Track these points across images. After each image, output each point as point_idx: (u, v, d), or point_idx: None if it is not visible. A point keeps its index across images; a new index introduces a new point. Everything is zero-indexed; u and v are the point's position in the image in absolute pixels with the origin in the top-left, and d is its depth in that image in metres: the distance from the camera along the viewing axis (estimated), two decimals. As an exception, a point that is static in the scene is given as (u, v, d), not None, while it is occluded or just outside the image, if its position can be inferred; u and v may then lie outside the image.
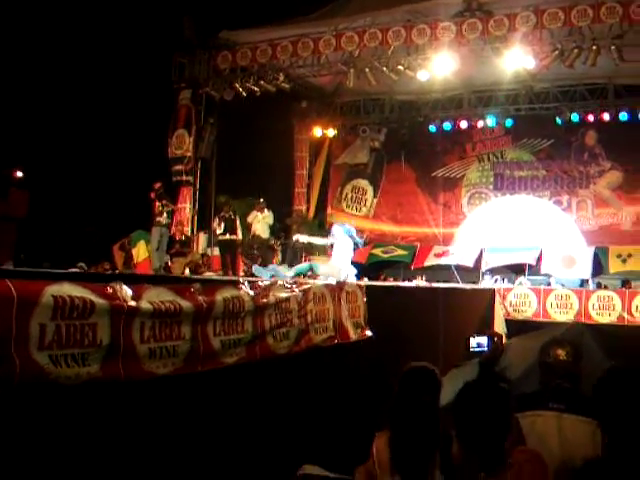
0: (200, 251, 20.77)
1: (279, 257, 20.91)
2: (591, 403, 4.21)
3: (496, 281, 20.00)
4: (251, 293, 5.67)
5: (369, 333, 7.80)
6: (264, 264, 19.11)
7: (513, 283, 19.22)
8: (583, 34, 17.03)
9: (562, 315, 15.52)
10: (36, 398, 3.93)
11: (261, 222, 19.13)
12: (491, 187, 24.20)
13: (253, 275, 17.52)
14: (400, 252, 23.60)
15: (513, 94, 22.51)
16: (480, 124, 23.39)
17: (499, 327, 14.57)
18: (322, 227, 23.60)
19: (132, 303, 4.48)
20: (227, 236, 18.40)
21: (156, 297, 4.72)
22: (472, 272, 21.38)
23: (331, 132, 25.28)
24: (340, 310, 7.32)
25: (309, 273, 10.86)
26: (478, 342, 7.74)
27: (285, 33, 19.80)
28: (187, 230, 20.52)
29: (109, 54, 24.76)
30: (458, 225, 24.35)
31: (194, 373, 5.00)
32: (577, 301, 15.54)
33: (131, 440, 4.61)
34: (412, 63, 18.73)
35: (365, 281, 17.74)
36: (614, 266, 19.93)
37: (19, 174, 26.84)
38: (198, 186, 21.78)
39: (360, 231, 24.51)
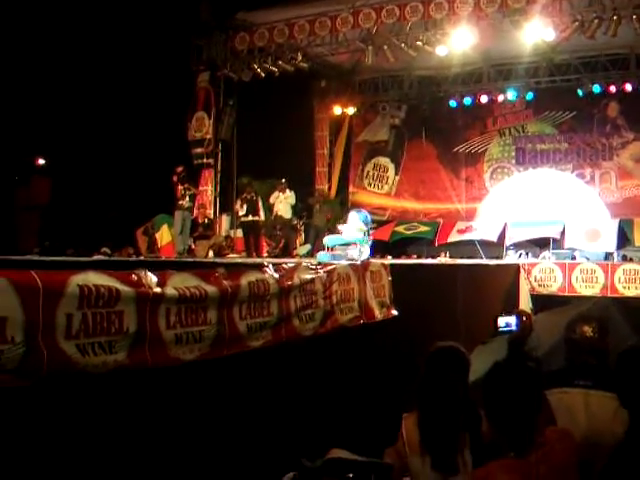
0: (223, 233, 20.84)
1: (302, 237, 20.92)
2: (614, 378, 4.20)
3: (520, 256, 19.88)
4: (276, 276, 5.67)
5: (394, 312, 7.78)
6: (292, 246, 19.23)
7: (537, 257, 19.12)
8: (603, 4, 16.81)
9: (588, 289, 15.41)
10: (65, 387, 3.95)
11: (283, 202, 19.10)
12: (513, 161, 24.01)
13: (281, 256, 17.63)
14: (423, 228, 23.56)
15: (533, 67, 22.25)
16: (500, 98, 23.19)
17: (525, 302, 14.52)
18: (344, 206, 23.57)
19: (157, 290, 4.49)
20: (249, 217, 18.44)
21: (181, 283, 4.72)
22: (496, 247, 21.30)
23: (351, 110, 25.18)
24: (365, 290, 7.31)
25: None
26: (506, 321, 7.72)
27: (302, 12, 19.71)
28: (210, 213, 20.55)
29: (127, 39, 24.74)
30: (481, 200, 24.23)
31: (221, 357, 5.01)
32: (603, 275, 15.41)
33: (156, 425, 4.64)
34: (430, 38, 18.59)
35: (389, 259, 17.79)
36: (640, 238, 19.81)
37: (41, 161, 26.97)
38: (219, 168, 21.82)
39: (383, 209, 24.64)
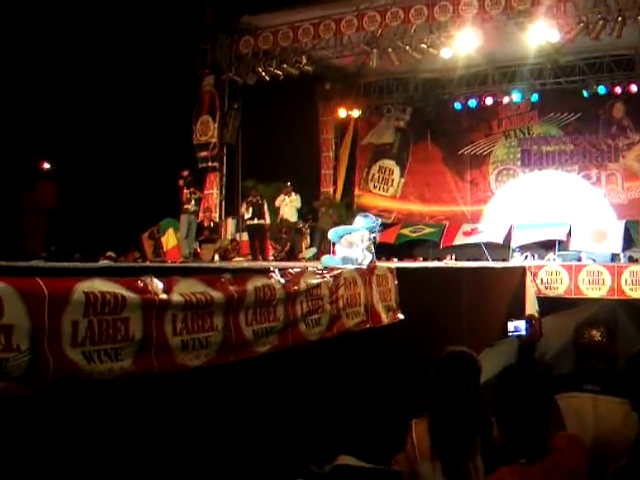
0: (229, 237, 20.87)
1: (307, 240, 20.93)
2: (624, 382, 4.18)
3: (526, 258, 19.85)
4: (282, 281, 5.64)
5: (401, 316, 7.76)
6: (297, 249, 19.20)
7: (543, 259, 19.09)
8: (608, 5, 16.80)
9: (594, 291, 15.36)
10: (70, 393, 3.95)
11: (289, 206, 19.13)
12: (518, 163, 24.00)
13: (286, 259, 17.63)
14: (429, 231, 23.55)
15: (538, 68, 22.25)
16: (505, 100, 23.20)
17: (531, 305, 14.49)
18: (349, 208, 23.58)
19: (163, 296, 4.47)
20: (255, 221, 18.48)
21: (187, 289, 4.70)
22: (502, 249, 21.28)
23: (356, 113, 25.20)
24: (371, 294, 7.28)
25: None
26: (515, 326, 7.70)
27: (306, 15, 19.74)
28: (215, 216, 20.59)
29: (132, 43, 24.77)
30: (486, 202, 24.22)
31: (227, 363, 5.00)
32: (609, 277, 15.35)
33: (163, 431, 4.63)
34: (435, 41, 18.60)
35: (394, 261, 17.78)
36: (646, 239, 19.79)
37: (46, 166, 27.00)
38: (225, 172, 21.85)
39: (388, 211, 24.62)
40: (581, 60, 21.57)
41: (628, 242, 20.00)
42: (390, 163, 25.65)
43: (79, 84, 24.42)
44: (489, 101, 23.25)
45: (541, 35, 17.74)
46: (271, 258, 18.72)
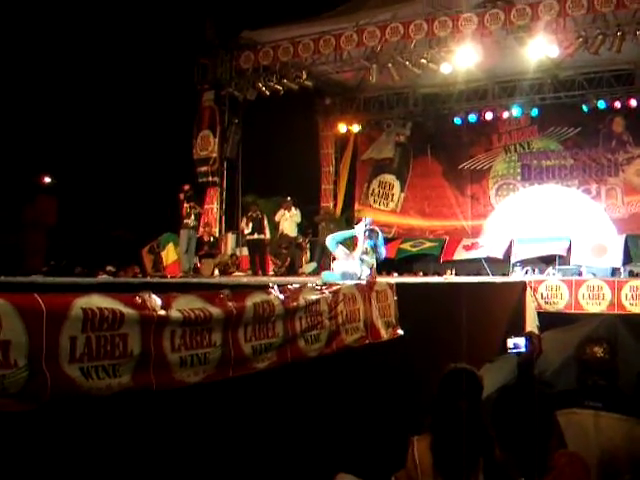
0: (229, 251, 20.86)
1: (308, 255, 20.92)
2: (629, 399, 4.16)
3: (527, 272, 19.84)
4: (281, 297, 5.63)
5: (400, 332, 7.73)
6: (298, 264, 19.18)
7: (544, 274, 19.07)
8: (607, 20, 16.89)
9: (594, 306, 15.30)
10: (68, 410, 3.93)
11: (289, 220, 19.11)
12: (519, 178, 24.01)
13: (287, 274, 17.61)
14: (429, 245, 23.58)
15: (538, 83, 22.31)
16: (505, 115, 23.25)
17: (531, 320, 14.45)
18: (350, 223, 23.57)
19: (162, 312, 4.46)
20: (255, 236, 18.48)
21: (185, 305, 4.69)
22: (502, 263, 21.28)
23: (356, 128, 25.23)
24: (371, 310, 7.27)
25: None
26: (515, 342, 7.65)
27: (306, 31, 19.81)
28: (215, 231, 20.58)
29: (132, 58, 24.86)
30: (486, 217, 24.23)
31: (226, 379, 4.98)
32: (609, 292, 15.30)
33: (161, 448, 4.61)
34: (435, 56, 18.67)
35: (394, 276, 17.76)
36: (646, 254, 19.76)
37: (47, 180, 27.02)
38: (225, 186, 21.86)
39: (388, 226, 24.61)
40: (581, 75, 21.62)
41: (628, 256, 19.98)
42: (390, 178, 25.67)
43: (81, 99, 24.50)
44: (489, 116, 23.29)
45: (541, 50, 17.80)
46: (271, 273, 18.70)
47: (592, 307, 15.31)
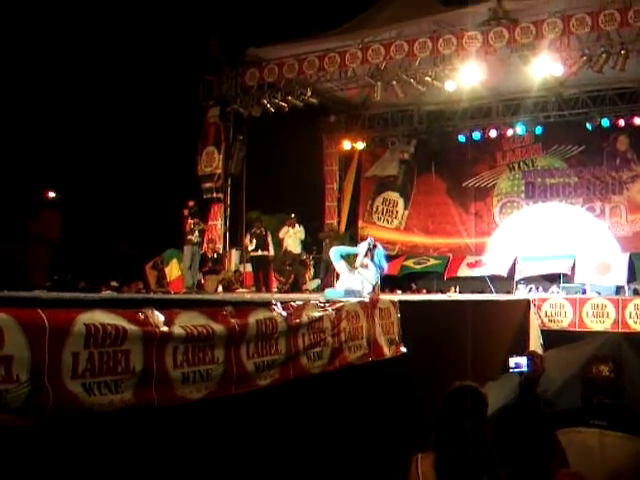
0: (232, 268, 20.83)
1: (311, 272, 20.90)
2: (635, 419, 4.14)
3: (530, 290, 19.82)
4: (284, 314, 5.63)
5: (403, 349, 7.73)
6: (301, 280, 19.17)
7: (548, 292, 19.05)
8: (611, 39, 16.89)
9: (598, 324, 15.27)
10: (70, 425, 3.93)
11: (292, 237, 19.11)
12: (523, 196, 24.01)
13: (290, 291, 17.60)
14: (433, 262, 23.57)
15: (542, 101, 22.35)
16: (509, 132, 23.26)
17: (535, 338, 14.44)
18: (353, 240, 23.55)
19: (164, 329, 4.46)
20: (259, 252, 18.48)
21: (188, 321, 4.69)
22: (506, 281, 21.26)
23: (360, 145, 25.24)
24: (374, 327, 7.26)
25: None
26: (517, 362, 7.64)
27: (311, 48, 19.84)
28: (219, 247, 20.55)
29: (138, 74, 24.97)
30: (490, 235, 24.21)
31: (228, 396, 4.97)
32: (614, 310, 15.28)
33: (163, 464, 4.60)
34: (439, 74, 18.68)
35: (398, 293, 17.73)
36: (650, 272, 19.74)
37: (51, 194, 27.07)
38: (229, 203, 21.85)
39: (392, 243, 24.58)
40: (585, 93, 21.65)
41: (632, 275, 19.95)
42: (394, 195, 25.69)
43: (87, 114, 24.60)
44: (493, 133, 23.30)
45: (545, 68, 17.81)
46: (275, 290, 18.69)
47: (596, 325, 15.28)
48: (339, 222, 25.40)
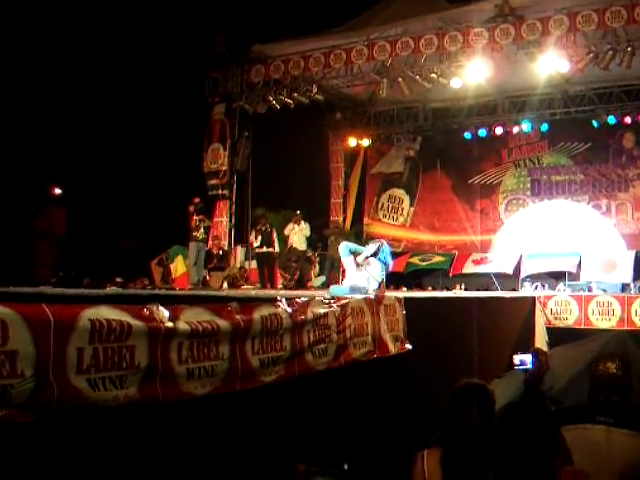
0: (238, 264, 20.81)
1: (316, 269, 20.88)
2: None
3: (536, 288, 19.79)
4: (289, 310, 5.62)
5: (409, 346, 7.72)
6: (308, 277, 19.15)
7: (553, 289, 19.01)
8: (617, 36, 16.83)
9: (604, 322, 15.23)
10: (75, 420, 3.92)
11: (298, 234, 19.09)
12: (528, 193, 23.96)
13: (295, 288, 17.59)
14: (438, 259, 23.51)
15: (548, 98, 22.30)
16: (515, 130, 23.22)
17: (540, 336, 14.41)
18: (359, 237, 23.54)
19: (169, 324, 4.45)
20: (264, 249, 18.45)
21: (193, 317, 4.69)
22: (511, 278, 21.22)
23: (366, 142, 25.22)
24: (379, 324, 7.25)
25: None
26: (521, 359, 7.62)
27: (317, 45, 19.81)
28: (224, 244, 20.55)
29: (144, 71, 24.97)
30: (496, 232, 24.17)
31: (233, 392, 4.97)
32: (619, 307, 15.23)
33: (166, 459, 4.60)
34: (445, 71, 18.63)
35: (403, 290, 17.72)
36: (656, 269, 19.69)
37: (57, 191, 27.07)
38: (234, 200, 21.84)
39: (397, 240, 24.56)
40: (591, 90, 21.60)
41: (638, 272, 19.89)
42: (400, 192, 25.65)
43: (92, 111, 24.59)
44: (499, 131, 23.27)
45: (551, 65, 17.76)
46: (280, 286, 18.67)
47: (602, 323, 15.24)
48: (344, 219, 25.38)
